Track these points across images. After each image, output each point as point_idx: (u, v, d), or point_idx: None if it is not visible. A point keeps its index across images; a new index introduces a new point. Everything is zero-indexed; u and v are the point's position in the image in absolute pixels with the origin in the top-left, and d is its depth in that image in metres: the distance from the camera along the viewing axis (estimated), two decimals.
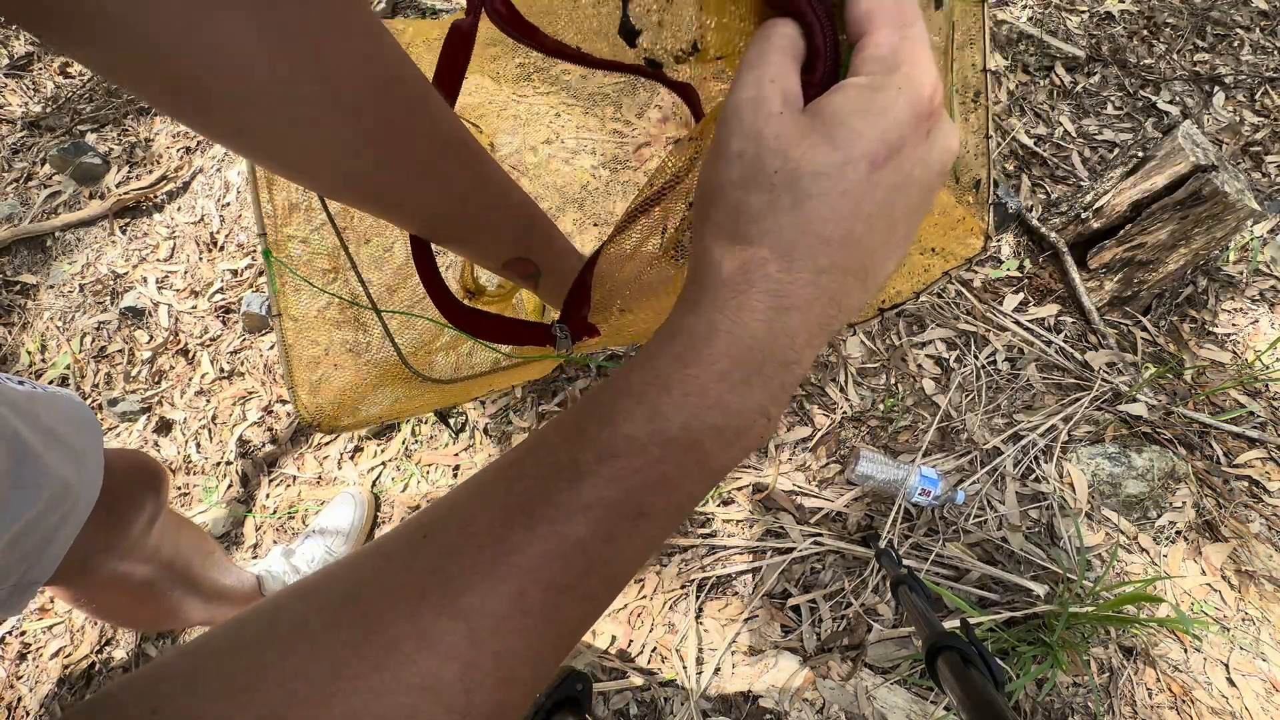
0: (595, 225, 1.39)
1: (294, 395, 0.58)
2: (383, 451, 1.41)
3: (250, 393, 1.50)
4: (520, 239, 0.48)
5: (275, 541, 1.35)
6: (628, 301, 0.47)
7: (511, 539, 0.23)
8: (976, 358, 1.47)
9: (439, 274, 0.56)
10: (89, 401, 1.53)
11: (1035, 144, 1.75)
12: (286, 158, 0.36)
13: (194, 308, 1.61)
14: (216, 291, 1.62)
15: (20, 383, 0.62)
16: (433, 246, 0.55)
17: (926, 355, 1.48)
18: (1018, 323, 1.52)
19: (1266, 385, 1.45)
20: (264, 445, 1.45)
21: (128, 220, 1.75)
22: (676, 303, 0.27)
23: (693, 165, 0.35)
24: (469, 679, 0.21)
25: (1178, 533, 1.29)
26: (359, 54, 0.33)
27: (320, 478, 1.40)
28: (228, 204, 1.70)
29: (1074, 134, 1.77)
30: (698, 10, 0.33)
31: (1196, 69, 1.86)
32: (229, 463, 1.43)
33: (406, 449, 1.41)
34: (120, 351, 1.59)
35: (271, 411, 1.48)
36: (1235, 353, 1.52)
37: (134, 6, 0.26)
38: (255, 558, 1.34)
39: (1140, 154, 1.45)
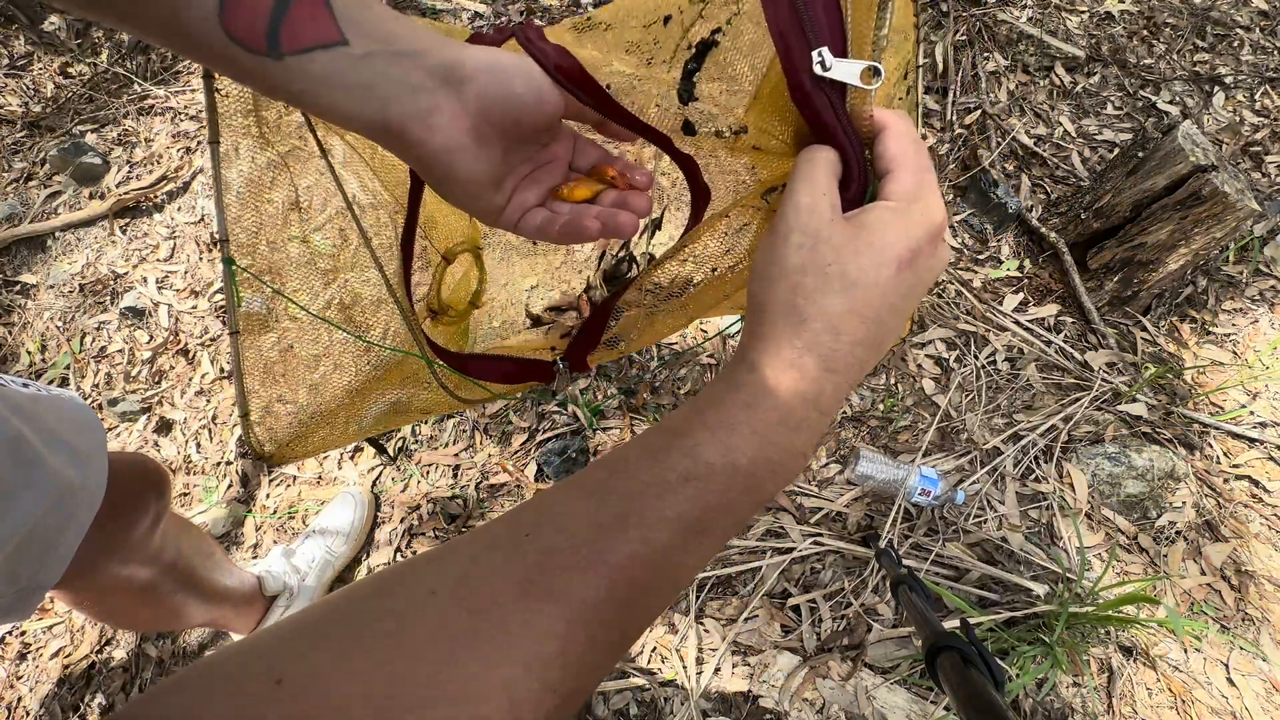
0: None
1: (246, 424, 0.57)
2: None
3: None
4: None
5: (275, 541, 1.35)
6: (630, 343, 0.52)
7: (606, 541, 0.27)
8: (976, 358, 1.47)
9: (421, 328, 0.55)
10: (89, 402, 1.53)
11: (1035, 144, 1.75)
12: None
13: (194, 308, 1.61)
14: (217, 291, 1.62)
15: (24, 384, 0.62)
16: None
17: (926, 355, 1.48)
18: (1018, 323, 1.52)
19: (1266, 385, 1.45)
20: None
21: (128, 220, 1.75)
22: (738, 356, 0.33)
23: (723, 235, 0.42)
24: (565, 657, 0.25)
25: (1178, 533, 1.29)
26: None
27: (320, 478, 1.40)
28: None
29: (1074, 134, 1.77)
30: (744, 111, 0.40)
31: (1196, 69, 1.86)
32: (229, 463, 1.43)
33: (406, 449, 1.41)
34: (120, 351, 1.59)
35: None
36: (1235, 353, 1.52)
37: None
38: (255, 558, 1.34)
39: (1140, 154, 1.45)
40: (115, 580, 0.76)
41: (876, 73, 0.31)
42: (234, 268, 0.51)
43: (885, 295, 0.31)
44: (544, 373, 0.56)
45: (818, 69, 0.32)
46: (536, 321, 0.82)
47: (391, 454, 1.39)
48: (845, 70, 0.31)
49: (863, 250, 0.31)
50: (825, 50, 0.31)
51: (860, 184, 0.34)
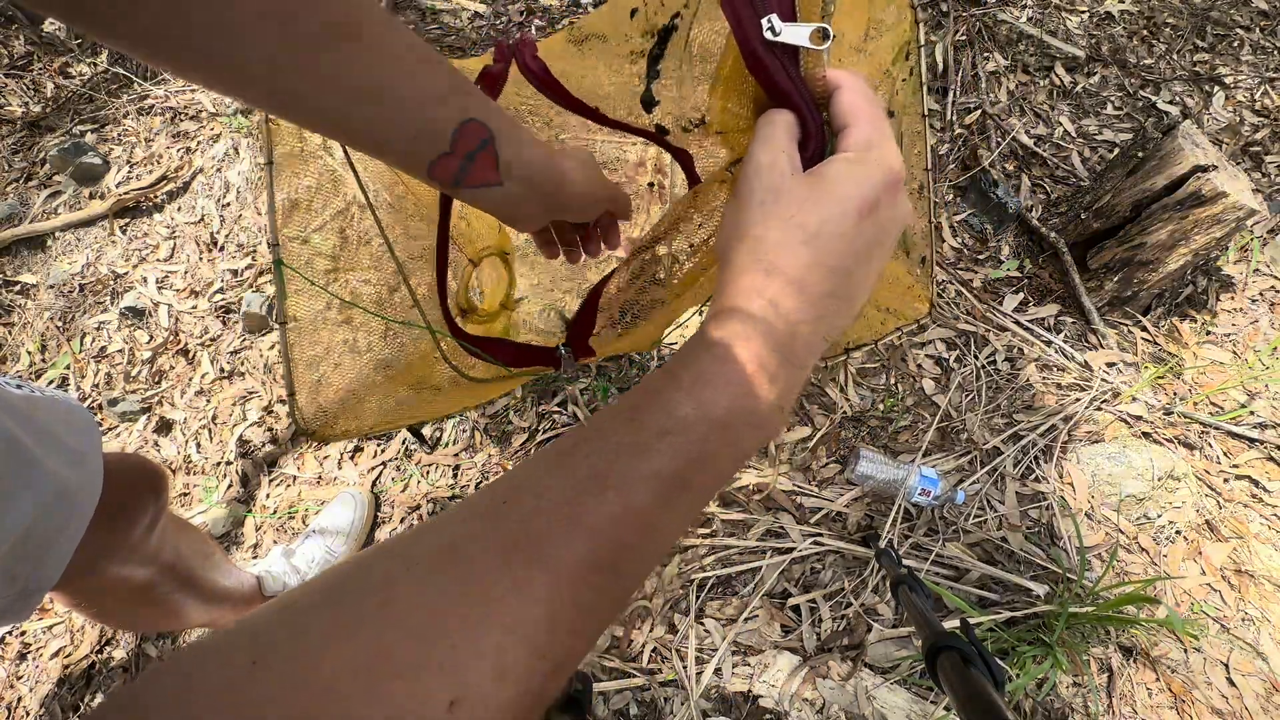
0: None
1: (293, 402, 0.58)
2: (383, 452, 1.41)
3: (250, 393, 1.50)
4: (457, 94, 0.42)
5: (275, 541, 1.35)
6: (626, 326, 0.53)
7: (585, 504, 0.27)
8: (976, 358, 1.47)
9: (448, 293, 0.57)
10: (89, 402, 1.53)
11: (1035, 144, 1.75)
12: (212, 61, 0.34)
13: (194, 308, 1.61)
14: (217, 291, 1.62)
15: (18, 386, 0.61)
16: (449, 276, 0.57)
17: (926, 355, 1.48)
18: (1018, 323, 1.52)
19: (1266, 385, 1.45)
20: (264, 445, 1.45)
21: (128, 220, 1.74)
22: (709, 317, 0.33)
23: (696, 211, 0.44)
24: (552, 620, 0.25)
25: (1177, 532, 1.29)
26: None
27: (320, 478, 1.40)
28: (228, 204, 1.70)
29: (1074, 134, 1.77)
30: (708, 94, 0.42)
31: (1196, 69, 1.86)
32: (229, 463, 1.43)
33: (406, 449, 1.41)
34: (120, 351, 1.59)
35: (271, 411, 1.48)
36: (1235, 353, 1.52)
37: None
38: (255, 558, 1.34)
39: (1140, 154, 1.45)
40: (113, 581, 0.76)
41: (826, 35, 0.32)
42: (283, 267, 0.56)
43: (850, 244, 0.32)
44: (549, 358, 0.58)
45: (768, 35, 0.33)
46: (569, 324, 0.84)
47: (429, 443, 1.40)
48: (794, 34, 0.33)
49: (823, 201, 0.32)
50: (774, 17, 0.33)
51: (818, 142, 0.35)
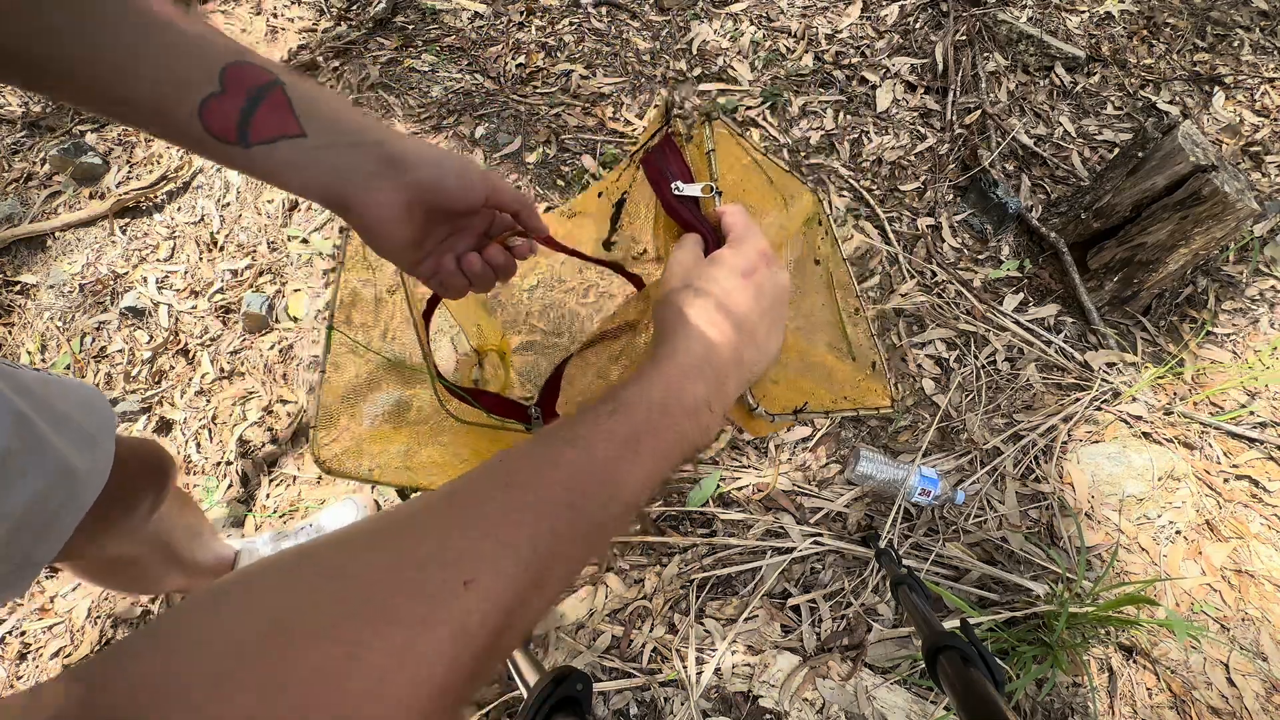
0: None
1: (313, 434, 0.67)
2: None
3: (250, 393, 1.50)
4: (224, 39, 0.38)
5: None
6: (587, 399, 0.66)
7: (561, 454, 0.35)
8: (976, 358, 1.47)
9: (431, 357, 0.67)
10: None
11: (1035, 144, 1.75)
12: None
13: (194, 308, 1.61)
14: (216, 291, 1.62)
15: (35, 370, 0.63)
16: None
17: (926, 355, 1.48)
18: (1018, 323, 1.52)
19: (1266, 385, 1.45)
20: (264, 445, 1.45)
21: (128, 220, 1.74)
22: (649, 352, 0.44)
23: (641, 315, 0.61)
24: (534, 540, 0.31)
25: (1177, 532, 1.29)
26: None
27: (321, 478, 1.40)
28: (228, 204, 1.70)
29: (1074, 134, 1.77)
30: (650, 235, 0.66)
31: (1196, 69, 1.86)
32: (229, 463, 1.43)
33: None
34: (120, 351, 1.59)
35: (271, 411, 1.48)
36: (1235, 353, 1.52)
37: None
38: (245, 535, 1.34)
39: (1140, 154, 1.45)
40: (104, 554, 0.77)
41: (713, 189, 0.54)
42: (333, 332, 0.67)
43: (742, 295, 0.46)
44: (522, 413, 0.71)
45: (675, 192, 0.55)
46: (542, 389, 0.96)
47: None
48: (692, 189, 0.55)
49: (717, 271, 0.47)
50: (678, 182, 0.55)
51: (715, 248, 0.52)
